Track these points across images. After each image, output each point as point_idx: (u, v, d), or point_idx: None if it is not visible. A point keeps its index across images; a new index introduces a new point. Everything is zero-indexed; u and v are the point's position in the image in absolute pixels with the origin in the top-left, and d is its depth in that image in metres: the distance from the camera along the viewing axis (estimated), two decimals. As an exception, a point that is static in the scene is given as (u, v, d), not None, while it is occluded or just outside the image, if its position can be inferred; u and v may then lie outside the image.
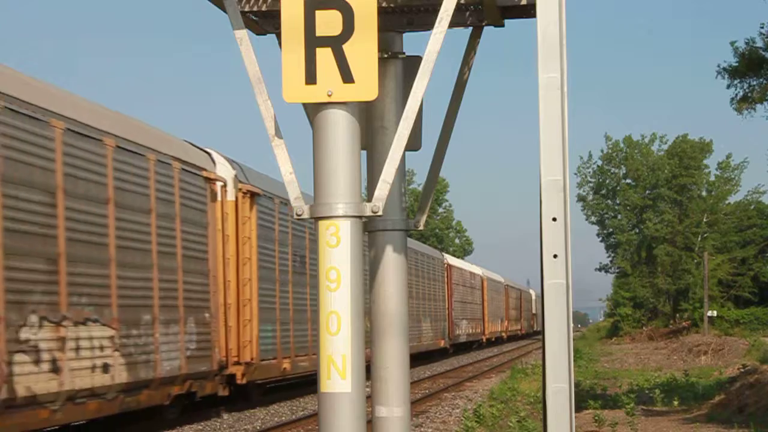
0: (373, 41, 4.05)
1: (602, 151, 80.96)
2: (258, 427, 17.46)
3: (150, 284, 15.20)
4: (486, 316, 56.41)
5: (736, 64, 24.88)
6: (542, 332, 4.25)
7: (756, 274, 72.45)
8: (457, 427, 16.98)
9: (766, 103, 25.23)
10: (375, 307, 4.70)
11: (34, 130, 12.13)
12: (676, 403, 20.46)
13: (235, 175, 19.58)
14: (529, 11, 4.73)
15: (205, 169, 18.02)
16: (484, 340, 56.73)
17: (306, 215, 4.10)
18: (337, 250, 4.02)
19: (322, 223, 4.04)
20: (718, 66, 25.37)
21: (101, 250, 13.62)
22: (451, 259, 47.87)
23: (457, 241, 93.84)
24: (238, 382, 19.19)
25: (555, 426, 4.13)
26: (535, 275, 4.59)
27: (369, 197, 4.33)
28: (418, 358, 37.96)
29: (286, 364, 21.64)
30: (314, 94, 4.06)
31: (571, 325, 4.20)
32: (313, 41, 4.05)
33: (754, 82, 25.32)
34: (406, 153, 4.62)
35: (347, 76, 4.03)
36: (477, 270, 55.76)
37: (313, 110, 4.15)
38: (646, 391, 22.82)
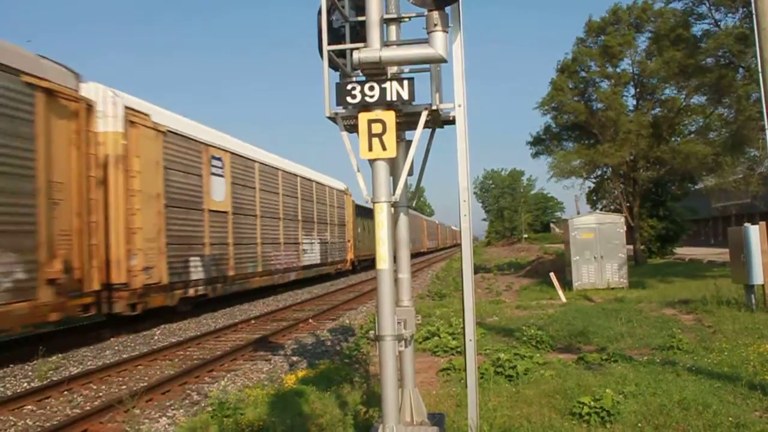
0: (394, 133, 10.09)
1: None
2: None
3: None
4: (439, 239, 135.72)
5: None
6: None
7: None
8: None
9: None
10: (397, 237, 10.88)
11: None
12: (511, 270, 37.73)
13: (125, 106, 19.52)
14: (453, 122, 10.60)
15: (26, 73, 15.84)
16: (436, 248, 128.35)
17: (370, 202, 10.28)
18: (382, 216, 10.22)
19: (376, 205, 10.17)
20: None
21: None
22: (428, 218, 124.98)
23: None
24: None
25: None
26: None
27: (393, 193, 10.40)
28: (416, 256, 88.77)
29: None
30: (372, 154, 10.13)
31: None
32: (370, 135, 10.23)
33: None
34: (407, 176, 10.86)
35: (384, 148, 10.13)
36: (436, 220, 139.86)
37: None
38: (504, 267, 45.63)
